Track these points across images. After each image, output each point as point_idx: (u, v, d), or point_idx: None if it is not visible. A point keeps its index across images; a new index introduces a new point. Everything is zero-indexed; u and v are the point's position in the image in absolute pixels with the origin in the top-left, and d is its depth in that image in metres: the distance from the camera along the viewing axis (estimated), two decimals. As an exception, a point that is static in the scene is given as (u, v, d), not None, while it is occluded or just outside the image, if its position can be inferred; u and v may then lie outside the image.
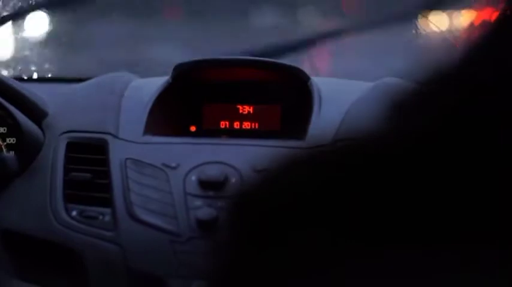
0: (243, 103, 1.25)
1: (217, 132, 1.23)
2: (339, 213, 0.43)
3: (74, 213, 1.07)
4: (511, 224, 0.40)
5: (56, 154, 1.13)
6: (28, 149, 1.14)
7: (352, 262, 0.41)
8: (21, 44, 1.68)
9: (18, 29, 1.65)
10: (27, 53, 1.68)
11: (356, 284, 0.40)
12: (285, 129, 1.22)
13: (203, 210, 1.02)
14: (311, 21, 1.93)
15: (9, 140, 1.15)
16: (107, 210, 1.06)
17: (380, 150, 0.43)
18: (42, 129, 1.17)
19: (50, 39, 1.73)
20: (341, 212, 0.43)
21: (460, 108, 0.41)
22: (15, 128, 1.15)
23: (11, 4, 1.54)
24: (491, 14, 0.43)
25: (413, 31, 1.56)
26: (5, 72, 1.55)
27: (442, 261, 0.40)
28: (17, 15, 1.59)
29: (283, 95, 1.23)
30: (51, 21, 1.71)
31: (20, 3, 1.55)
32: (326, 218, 0.43)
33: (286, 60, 1.25)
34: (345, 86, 1.28)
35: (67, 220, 1.06)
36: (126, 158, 1.10)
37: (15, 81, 1.19)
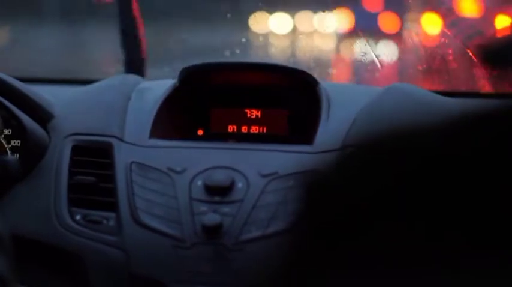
0: (250, 107, 1.23)
1: (225, 137, 1.22)
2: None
3: (78, 217, 1.06)
4: None
5: (60, 156, 1.12)
6: (33, 152, 1.13)
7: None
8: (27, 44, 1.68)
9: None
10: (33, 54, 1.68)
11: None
12: (293, 134, 1.20)
13: (208, 216, 1.01)
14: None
15: (14, 143, 1.14)
16: (111, 214, 1.05)
17: (391, 156, 0.42)
18: (47, 132, 1.16)
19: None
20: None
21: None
22: (20, 131, 1.13)
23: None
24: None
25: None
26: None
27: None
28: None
29: (292, 99, 1.22)
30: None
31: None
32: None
33: (295, 65, 1.24)
34: (354, 91, 1.27)
35: (71, 224, 1.05)
36: (132, 162, 1.08)
37: (20, 82, 1.18)
